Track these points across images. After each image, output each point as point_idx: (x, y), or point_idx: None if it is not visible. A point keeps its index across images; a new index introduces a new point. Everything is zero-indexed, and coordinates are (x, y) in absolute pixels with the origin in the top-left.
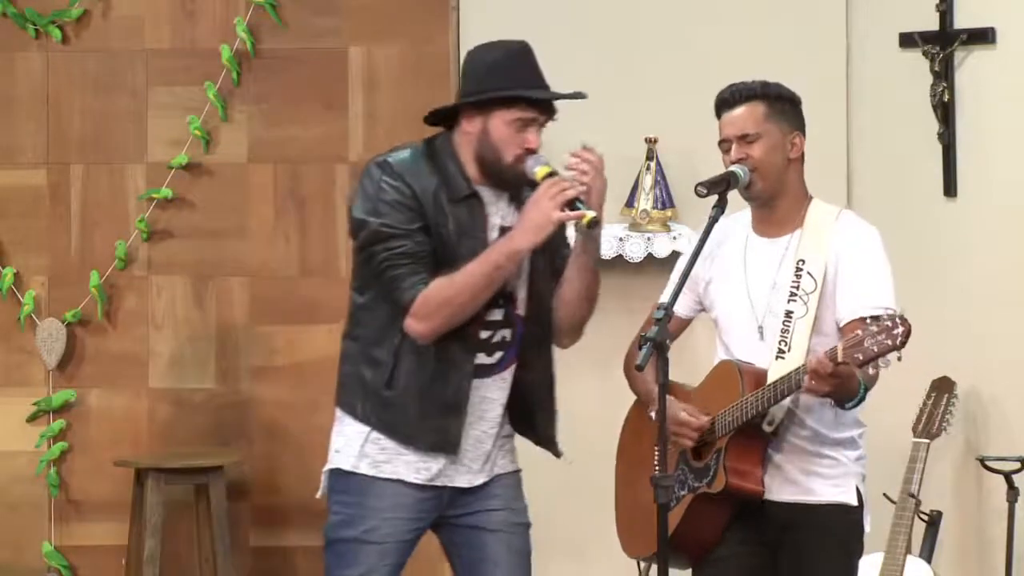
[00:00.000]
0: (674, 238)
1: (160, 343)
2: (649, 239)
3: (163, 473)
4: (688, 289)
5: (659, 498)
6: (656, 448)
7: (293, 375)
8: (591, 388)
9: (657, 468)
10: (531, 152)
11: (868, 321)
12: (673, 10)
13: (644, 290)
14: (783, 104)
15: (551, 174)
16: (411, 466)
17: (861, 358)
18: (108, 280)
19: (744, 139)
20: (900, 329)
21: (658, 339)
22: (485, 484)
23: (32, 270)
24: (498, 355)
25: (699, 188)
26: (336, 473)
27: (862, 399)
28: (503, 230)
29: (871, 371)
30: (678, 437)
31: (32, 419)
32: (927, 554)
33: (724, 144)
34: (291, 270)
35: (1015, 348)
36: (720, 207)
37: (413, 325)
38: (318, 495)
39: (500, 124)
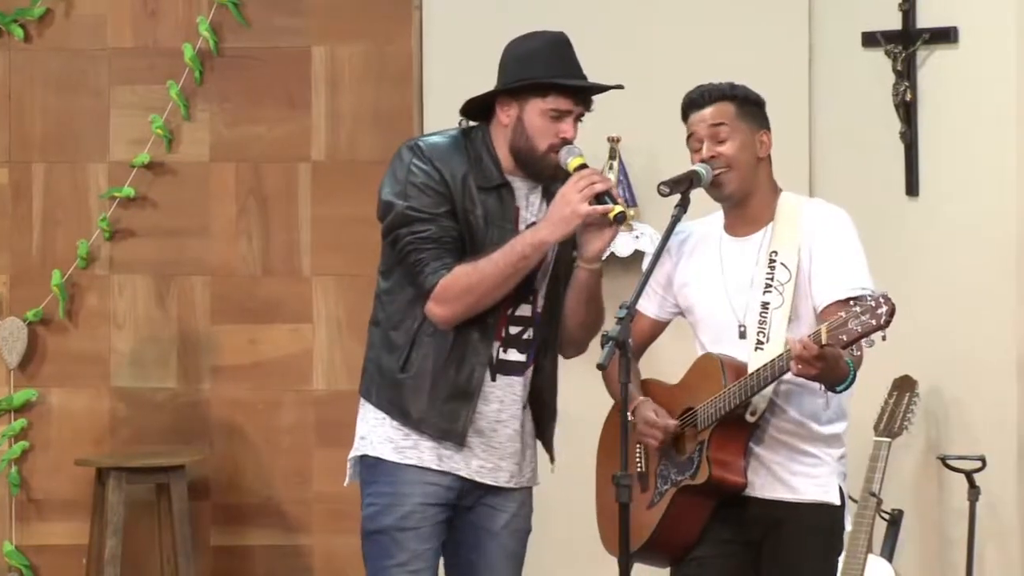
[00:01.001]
0: (636, 237)
1: (121, 342)
2: None
3: (124, 472)
4: (661, 291)
5: (620, 497)
6: (638, 446)
7: (255, 374)
8: None
9: (639, 466)
10: (566, 142)
11: (851, 303)
12: (636, 9)
13: (606, 289)
14: (750, 105)
15: (583, 166)
16: (434, 452)
17: (845, 339)
18: (70, 279)
19: (715, 136)
20: (884, 308)
21: (620, 338)
22: (506, 488)
23: None
24: (527, 352)
25: (662, 187)
26: (364, 461)
27: (852, 381)
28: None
29: (856, 352)
30: (644, 436)
31: None
32: (888, 553)
33: (694, 143)
34: (253, 269)
35: (976, 347)
36: (682, 206)
37: (434, 309)
38: (345, 483)
39: (534, 114)
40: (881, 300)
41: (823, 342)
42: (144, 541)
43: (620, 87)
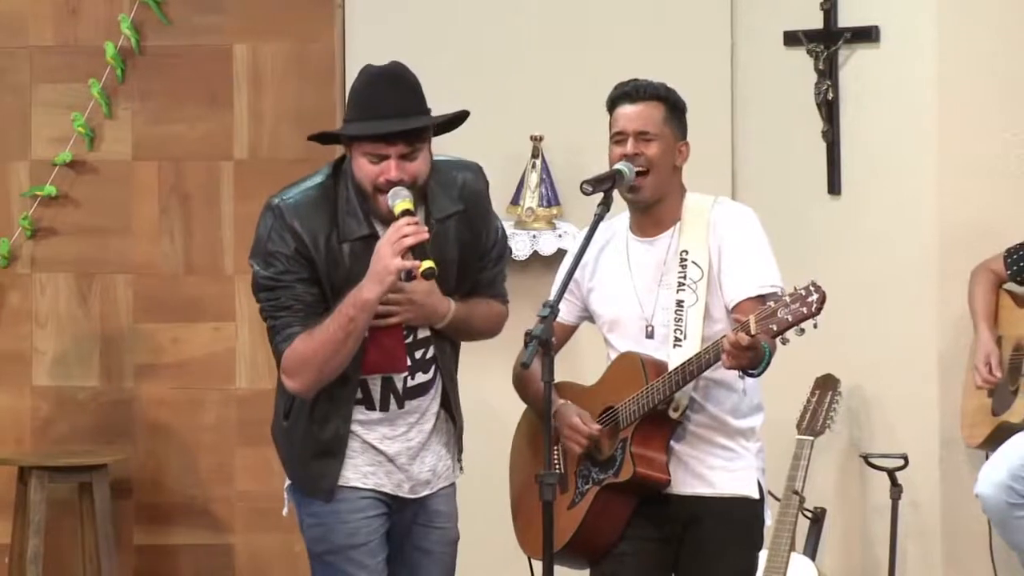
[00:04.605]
0: (559, 236)
1: (44, 341)
2: (534, 237)
3: (46, 471)
4: (572, 297)
5: (544, 495)
6: (556, 447)
7: (177, 373)
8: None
9: (558, 467)
10: (390, 183)
11: (780, 293)
12: (558, 9)
13: (529, 288)
14: (678, 112)
15: (406, 211)
16: (357, 471)
17: (776, 328)
18: None
19: (643, 136)
20: (815, 296)
21: (543, 336)
22: (429, 496)
23: None
24: (433, 369)
25: (584, 186)
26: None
27: (767, 363)
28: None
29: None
30: (568, 441)
31: None
32: (811, 551)
33: (619, 136)
34: (175, 268)
35: (898, 346)
36: (605, 205)
37: (286, 383)
38: (284, 513)
39: (358, 156)
40: (812, 288)
41: (752, 332)
42: (67, 540)
43: (416, 127)
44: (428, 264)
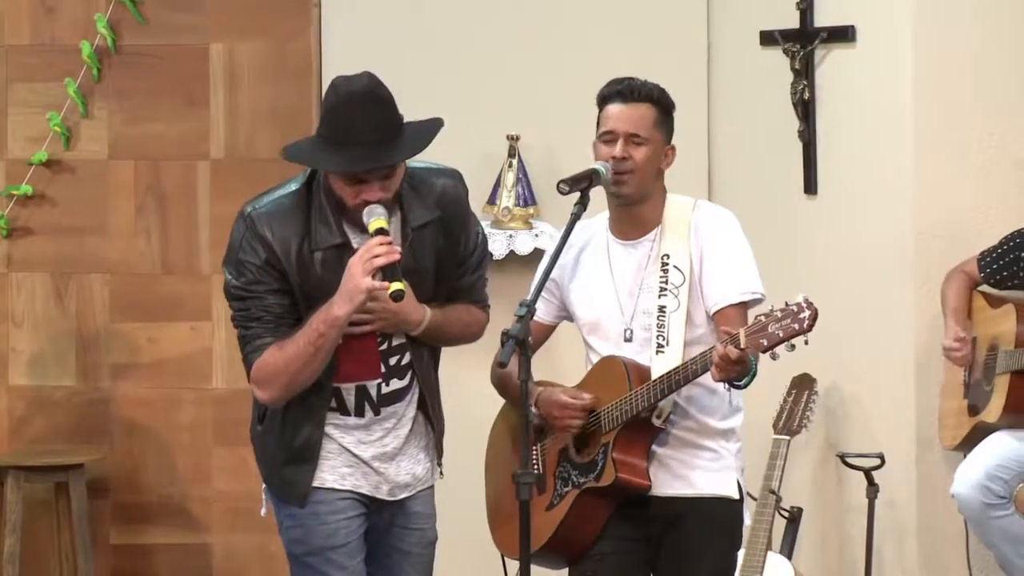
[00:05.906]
0: (536, 235)
1: (20, 340)
2: (511, 236)
3: (23, 471)
4: (551, 297)
5: (521, 495)
6: (535, 448)
7: (154, 372)
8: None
9: (536, 468)
10: (368, 202)
11: (772, 308)
12: (535, 8)
13: (506, 288)
14: (668, 116)
15: (380, 230)
16: (335, 472)
17: (766, 343)
18: None
19: (633, 139)
20: (807, 313)
21: (520, 335)
22: (408, 497)
23: None
24: (408, 375)
25: (561, 185)
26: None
27: (754, 374)
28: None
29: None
30: (562, 420)
31: None
32: (787, 550)
33: (608, 135)
34: (152, 267)
35: (874, 346)
36: (582, 204)
37: (256, 392)
38: (262, 513)
39: (335, 179)
40: (804, 304)
41: (742, 346)
42: (43, 540)
43: (389, 163)
44: (397, 287)
